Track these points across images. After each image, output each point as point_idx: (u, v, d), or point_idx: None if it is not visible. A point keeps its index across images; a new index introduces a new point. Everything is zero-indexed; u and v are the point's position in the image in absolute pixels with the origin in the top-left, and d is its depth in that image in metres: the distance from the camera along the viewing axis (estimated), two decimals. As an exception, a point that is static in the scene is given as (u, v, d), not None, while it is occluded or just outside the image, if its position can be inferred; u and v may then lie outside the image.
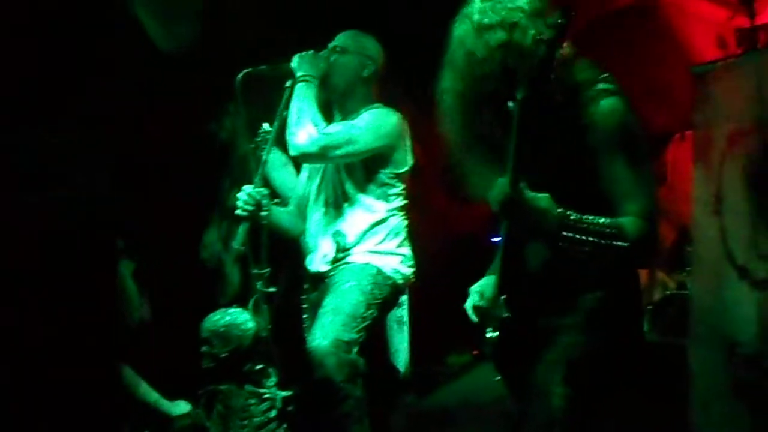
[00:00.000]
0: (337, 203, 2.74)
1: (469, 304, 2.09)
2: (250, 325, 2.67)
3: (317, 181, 2.81)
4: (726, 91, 3.41)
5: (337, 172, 2.75)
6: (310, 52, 2.72)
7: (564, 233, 1.62)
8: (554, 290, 1.86)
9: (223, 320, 2.68)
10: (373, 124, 2.65)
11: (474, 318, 2.05)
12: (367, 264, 2.64)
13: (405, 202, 2.80)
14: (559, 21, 1.56)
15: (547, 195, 1.62)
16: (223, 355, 2.64)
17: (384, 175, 2.71)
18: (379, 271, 2.64)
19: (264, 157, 2.68)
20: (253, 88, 2.80)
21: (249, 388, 2.65)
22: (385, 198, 2.71)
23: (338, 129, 2.63)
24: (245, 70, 2.71)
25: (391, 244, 2.72)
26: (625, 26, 4.90)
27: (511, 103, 1.61)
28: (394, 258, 2.71)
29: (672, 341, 4.22)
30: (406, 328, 4.26)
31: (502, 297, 1.87)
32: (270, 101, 2.82)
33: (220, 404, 2.68)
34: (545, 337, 1.85)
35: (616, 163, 1.72)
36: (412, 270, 2.78)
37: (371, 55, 2.77)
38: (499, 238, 1.92)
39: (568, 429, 1.76)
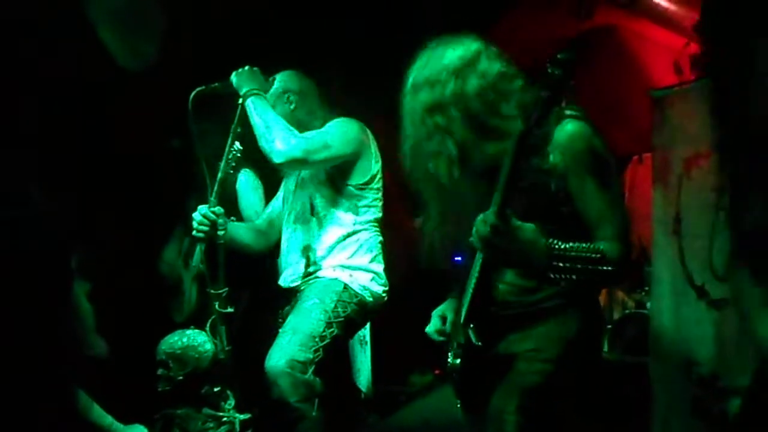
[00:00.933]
0: (305, 219, 2.71)
1: (431, 328, 2.08)
2: (208, 346, 2.62)
3: (290, 198, 2.78)
4: (682, 115, 3.49)
5: (306, 188, 2.72)
6: (246, 67, 2.69)
7: (553, 263, 1.62)
8: (516, 318, 1.85)
9: (180, 342, 2.62)
10: (340, 130, 2.65)
11: (437, 339, 2.04)
12: (334, 279, 2.59)
13: (379, 215, 2.76)
14: (566, 57, 1.54)
15: (533, 225, 1.62)
16: (180, 377, 2.58)
17: (352, 186, 2.69)
18: (346, 288, 2.58)
19: (219, 177, 2.64)
20: (207, 105, 2.77)
21: (207, 411, 2.58)
22: (355, 210, 2.68)
23: (313, 134, 2.62)
24: (197, 89, 2.68)
25: (363, 259, 2.67)
26: (586, 50, 4.99)
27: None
28: (365, 274, 2.65)
29: (632, 360, 4.27)
30: (368, 348, 4.22)
31: (471, 325, 1.85)
32: (226, 118, 2.79)
33: (177, 428, 2.61)
34: (505, 364, 1.84)
35: (587, 186, 1.74)
36: (383, 288, 2.71)
37: (291, 88, 2.78)
38: (462, 261, 1.91)
39: None
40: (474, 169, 1.80)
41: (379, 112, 2.18)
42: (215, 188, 2.64)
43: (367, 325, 4.26)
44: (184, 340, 2.62)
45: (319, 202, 2.70)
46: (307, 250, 2.66)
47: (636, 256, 5.36)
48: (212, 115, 2.84)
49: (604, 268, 1.65)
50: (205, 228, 2.57)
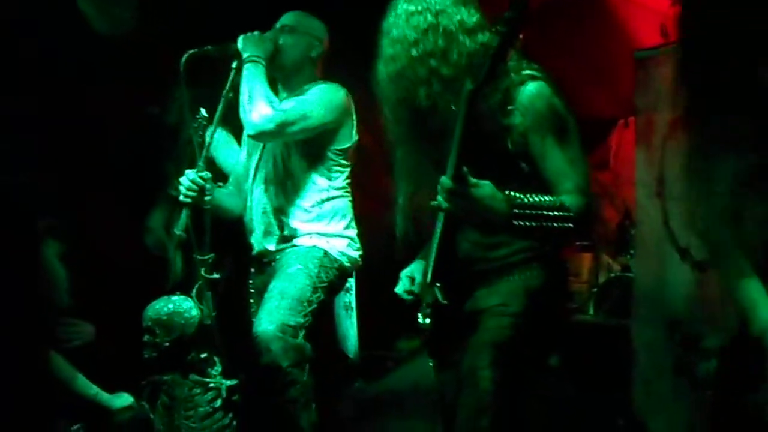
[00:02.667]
0: (278, 180, 2.69)
1: (399, 288, 2.11)
2: (194, 312, 2.61)
3: (257, 157, 2.75)
4: (667, 77, 3.47)
5: (278, 148, 2.70)
6: (256, 32, 2.66)
7: (516, 211, 1.64)
8: (481, 274, 1.88)
9: (165, 308, 2.61)
10: (323, 98, 2.62)
11: (407, 298, 2.07)
12: (313, 247, 2.61)
13: (348, 181, 2.77)
14: (511, 15, 1.56)
15: (488, 182, 1.63)
16: (166, 344, 2.57)
17: (329, 151, 2.68)
18: (326, 254, 2.61)
19: (207, 141, 2.62)
20: (198, 69, 2.73)
21: (193, 377, 2.59)
22: (329, 175, 2.68)
23: (292, 105, 2.59)
24: (190, 51, 2.64)
25: (338, 227, 2.69)
26: (572, 13, 4.95)
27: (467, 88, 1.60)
28: (341, 241, 2.68)
29: (617, 322, 4.32)
30: (354, 314, 4.24)
31: (437, 284, 1.87)
32: (216, 82, 2.75)
33: (164, 395, 2.62)
34: (473, 321, 1.86)
35: (547, 144, 1.77)
36: (358, 253, 2.77)
37: (318, 35, 2.75)
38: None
39: (497, 411, 1.78)
40: (435, 127, 1.79)
41: (361, 79, 2.16)
42: (203, 153, 2.62)
43: (353, 291, 4.29)
44: (170, 306, 2.62)
45: (293, 163, 2.68)
46: (279, 213, 2.65)
47: (621, 220, 5.40)
48: (202, 79, 2.80)
49: (565, 215, 1.69)
50: (193, 193, 2.55)
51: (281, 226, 2.64)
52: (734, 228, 1.67)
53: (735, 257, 1.67)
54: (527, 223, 1.65)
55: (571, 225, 1.70)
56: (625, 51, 4.25)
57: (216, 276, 2.60)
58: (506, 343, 1.82)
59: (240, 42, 2.63)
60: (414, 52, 1.78)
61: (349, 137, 2.71)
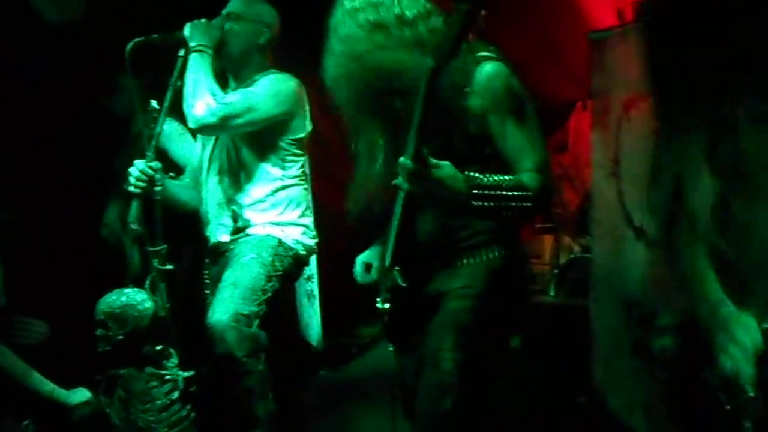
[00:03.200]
0: (232, 171, 2.67)
1: (357, 272, 2.11)
2: (148, 305, 2.57)
3: (210, 148, 2.73)
4: (621, 58, 3.51)
5: (232, 139, 2.67)
6: (203, 20, 2.62)
7: (475, 192, 1.64)
8: (442, 257, 1.88)
9: (118, 301, 2.57)
10: (271, 89, 2.59)
11: (363, 282, 2.08)
12: (267, 236, 2.59)
13: (303, 169, 2.75)
14: None
15: (448, 163, 1.64)
16: (120, 337, 2.53)
17: (282, 141, 2.65)
18: (280, 243, 2.60)
19: (156, 131, 2.58)
20: (144, 58, 2.68)
21: (149, 370, 2.56)
22: (282, 165, 2.66)
23: (237, 98, 2.56)
24: (135, 40, 2.59)
25: (293, 215, 2.68)
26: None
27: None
28: (296, 229, 2.67)
29: (577, 303, 4.37)
30: (316, 302, 4.23)
31: (396, 267, 1.88)
32: (164, 71, 2.71)
33: (121, 389, 2.58)
34: (435, 304, 1.87)
35: (506, 124, 1.79)
36: (314, 241, 2.76)
37: (267, 21, 2.71)
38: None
39: (459, 393, 1.79)
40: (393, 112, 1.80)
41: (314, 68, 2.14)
42: (153, 143, 2.58)
43: (315, 279, 4.27)
44: (123, 298, 2.58)
45: (246, 154, 2.65)
46: (233, 204, 2.64)
47: (581, 201, 5.46)
48: (149, 68, 2.76)
49: (524, 195, 1.70)
50: (143, 184, 2.52)
51: (235, 217, 2.62)
52: (684, 206, 1.68)
53: (684, 235, 1.68)
54: (487, 203, 1.66)
55: (530, 204, 1.72)
56: (582, 33, 4.28)
57: (170, 267, 2.57)
58: (468, 325, 1.83)
59: (186, 30, 2.59)
60: (360, 47, 1.78)
61: (302, 127, 2.69)
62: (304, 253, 2.69)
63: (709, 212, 1.66)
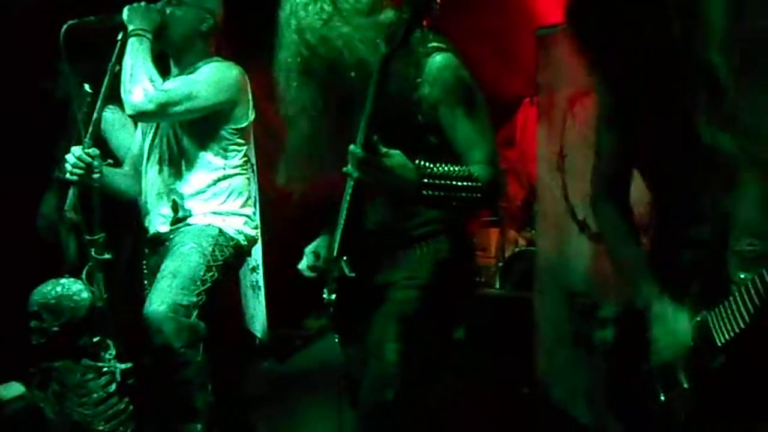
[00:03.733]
0: (172, 161, 2.61)
1: (303, 265, 2.09)
2: (84, 295, 2.51)
3: (150, 137, 2.67)
4: (567, 54, 3.54)
5: (172, 128, 2.62)
6: (142, 3, 2.55)
7: (425, 181, 1.63)
8: (389, 246, 1.88)
9: (53, 291, 2.50)
10: (213, 78, 2.54)
11: (309, 275, 2.05)
12: (208, 225, 2.55)
13: (246, 159, 2.71)
14: None
15: (398, 151, 1.62)
16: (55, 328, 2.46)
17: (224, 131, 2.61)
18: (221, 232, 2.56)
19: (95, 117, 2.50)
20: (81, 42, 2.60)
21: (86, 362, 2.49)
22: (224, 155, 2.62)
23: (176, 85, 2.50)
24: (69, 22, 2.51)
25: (234, 205, 2.64)
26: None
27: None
28: (237, 219, 2.63)
29: (522, 295, 4.43)
30: (261, 293, 4.19)
31: (344, 257, 1.86)
32: (101, 56, 2.63)
33: (56, 382, 2.51)
34: (380, 294, 1.86)
35: (456, 115, 1.78)
36: (256, 231, 2.73)
37: (210, 8, 2.65)
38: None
39: (403, 383, 1.79)
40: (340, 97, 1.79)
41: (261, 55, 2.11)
42: (90, 129, 2.51)
43: (260, 271, 4.22)
44: (58, 289, 2.51)
45: (187, 144, 2.60)
46: (173, 194, 2.59)
47: (526, 195, 5.53)
48: (85, 51, 2.67)
49: (473, 185, 1.69)
50: (80, 171, 2.45)
51: (176, 207, 2.56)
52: (620, 197, 1.71)
53: (618, 228, 1.71)
54: (436, 193, 1.65)
55: (479, 195, 1.70)
56: (529, 29, 4.33)
57: (108, 256, 2.50)
58: (413, 316, 1.83)
59: (125, 13, 2.52)
60: (312, 39, 1.76)
61: (245, 116, 2.65)
62: (245, 243, 2.65)
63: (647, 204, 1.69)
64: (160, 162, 2.62)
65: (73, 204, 2.48)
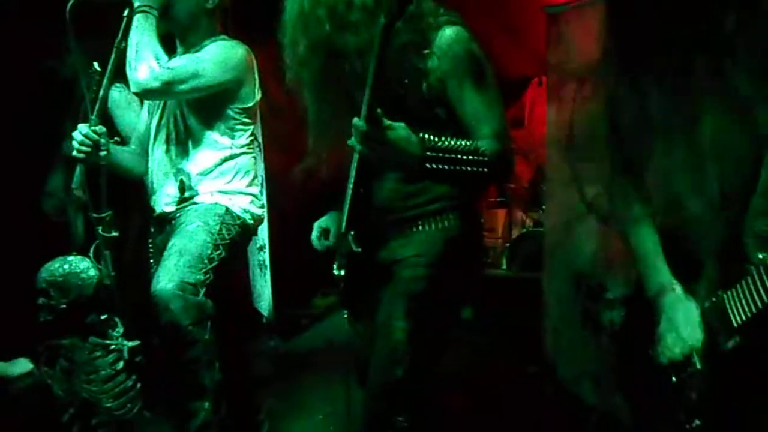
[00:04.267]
0: (179, 140, 2.59)
1: (314, 237, 2.08)
2: (92, 273, 2.50)
3: (157, 117, 2.65)
4: (577, 33, 3.51)
5: (179, 107, 2.59)
6: None
7: (429, 154, 1.59)
8: (397, 224, 1.86)
9: (61, 269, 2.49)
10: (219, 56, 2.51)
11: (320, 248, 2.04)
12: (215, 204, 2.53)
13: (253, 138, 2.70)
14: None
15: (402, 124, 1.59)
16: (63, 306, 2.46)
17: (230, 110, 2.59)
18: (228, 211, 2.54)
19: (101, 94, 2.48)
20: (87, 18, 2.57)
21: (93, 340, 2.49)
22: (231, 134, 2.60)
23: (182, 62, 2.47)
24: None
25: (241, 184, 2.62)
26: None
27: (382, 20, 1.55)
28: (244, 198, 2.62)
29: (529, 276, 4.43)
30: (268, 272, 4.20)
31: (351, 233, 1.85)
32: (107, 32, 2.60)
33: (63, 359, 2.51)
34: (388, 271, 1.85)
35: (465, 88, 1.75)
36: (262, 210, 2.71)
37: None
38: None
39: (411, 361, 1.78)
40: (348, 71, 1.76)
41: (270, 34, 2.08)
42: (97, 106, 2.48)
43: (266, 250, 4.22)
44: (66, 266, 2.50)
45: (194, 123, 2.58)
46: (180, 174, 2.57)
47: (534, 176, 5.50)
48: (92, 28, 2.65)
49: (481, 160, 1.65)
50: (87, 149, 2.43)
51: (182, 187, 2.55)
52: (636, 179, 1.68)
53: (635, 209, 1.68)
54: (441, 166, 1.61)
55: (486, 170, 1.66)
56: (538, 6, 4.28)
57: (114, 234, 2.49)
58: (420, 294, 1.81)
59: None
60: (319, 10, 1.73)
61: (251, 96, 2.62)
62: (251, 222, 2.63)
63: (665, 189, 1.66)
64: (167, 141, 2.60)
65: (81, 182, 2.47)
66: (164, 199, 2.59)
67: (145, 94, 2.49)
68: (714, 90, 1.34)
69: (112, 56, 2.50)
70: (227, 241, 2.48)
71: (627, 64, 1.55)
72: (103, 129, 2.46)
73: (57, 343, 2.52)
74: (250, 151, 2.67)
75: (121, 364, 2.49)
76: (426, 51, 1.73)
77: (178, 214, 2.55)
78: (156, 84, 2.39)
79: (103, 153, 2.44)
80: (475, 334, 3.93)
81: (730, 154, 1.38)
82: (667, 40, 1.41)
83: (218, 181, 2.58)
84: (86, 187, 2.49)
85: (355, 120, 1.57)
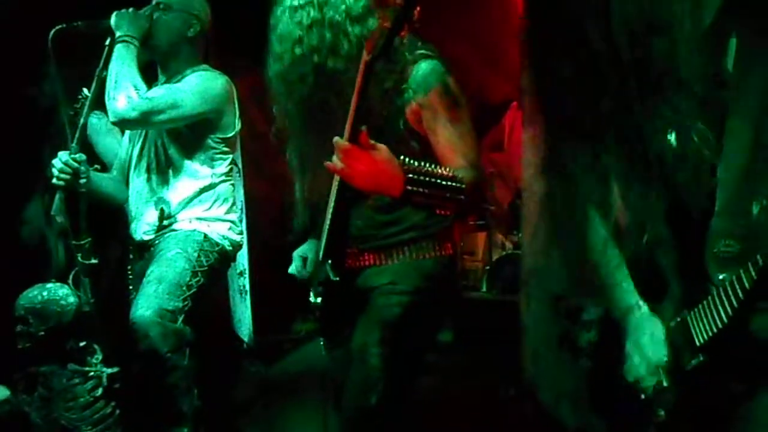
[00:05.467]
0: (160, 169, 2.63)
1: (292, 269, 2.11)
2: (71, 300, 2.51)
3: (138, 146, 2.68)
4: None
5: (160, 136, 2.63)
6: (131, 9, 2.56)
7: (410, 176, 1.62)
8: (373, 252, 1.89)
9: (40, 296, 2.50)
10: (198, 87, 2.54)
11: (300, 278, 2.07)
12: (193, 231, 2.56)
13: (231, 167, 2.74)
14: None
15: (384, 145, 1.62)
16: (42, 333, 2.46)
17: (210, 140, 2.62)
18: (206, 238, 2.57)
19: (81, 122, 2.51)
20: (69, 47, 2.61)
21: (72, 367, 2.49)
22: (211, 164, 2.64)
23: (161, 93, 2.50)
24: (58, 27, 2.51)
25: (219, 211, 2.66)
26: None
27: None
28: (222, 224, 2.65)
29: (509, 298, 4.45)
30: (248, 298, 4.20)
31: (329, 261, 1.88)
32: (88, 61, 2.64)
33: (42, 387, 2.51)
34: (364, 299, 1.88)
35: (440, 119, 1.81)
36: (240, 237, 2.74)
37: (197, 13, 2.65)
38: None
39: (386, 388, 1.80)
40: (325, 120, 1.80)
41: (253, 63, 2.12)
42: (77, 134, 2.53)
43: (246, 275, 4.23)
44: (45, 293, 2.51)
45: (174, 152, 2.62)
46: (161, 203, 2.60)
47: (513, 199, 5.55)
48: (73, 56, 2.68)
49: (457, 186, 1.67)
50: (66, 176, 2.45)
51: (162, 216, 2.57)
52: (596, 208, 1.70)
53: (599, 232, 1.71)
54: (421, 190, 1.64)
55: (462, 197, 1.70)
56: (515, 33, 4.35)
57: (94, 261, 2.51)
58: (395, 322, 1.85)
59: (113, 19, 2.52)
60: (298, 50, 1.78)
61: (231, 126, 2.66)
62: (230, 248, 2.67)
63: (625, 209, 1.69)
64: (148, 170, 2.63)
65: (60, 209, 2.49)
66: (143, 227, 2.61)
67: (123, 124, 2.52)
68: (661, 107, 1.36)
69: (93, 85, 2.53)
70: (205, 268, 2.50)
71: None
72: (83, 156, 2.49)
73: (35, 370, 2.53)
74: (229, 178, 2.70)
75: (99, 391, 2.49)
76: (403, 86, 1.79)
77: (157, 241, 2.58)
78: (134, 114, 2.42)
79: (83, 180, 2.47)
80: (455, 356, 3.95)
81: (688, 175, 1.42)
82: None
83: (197, 209, 2.60)
84: (66, 214, 2.51)
85: (337, 138, 1.60)
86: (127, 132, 2.77)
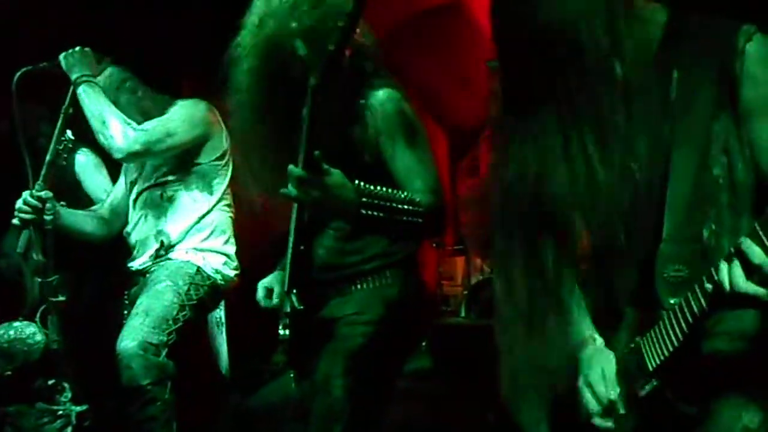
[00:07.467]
0: (157, 203, 2.66)
1: (259, 297, 2.11)
2: (38, 338, 2.49)
3: (134, 179, 2.73)
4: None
5: (156, 170, 2.67)
6: (77, 49, 2.59)
7: (364, 200, 1.64)
8: (336, 282, 1.90)
9: (6, 335, 2.48)
10: (185, 115, 2.60)
11: (265, 307, 2.07)
12: (186, 262, 2.58)
13: (229, 194, 2.75)
14: (351, 10, 1.57)
15: (338, 171, 1.63)
16: (8, 372, 2.45)
17: (206, 165, 2.67)
18: (199, 270, 2.58)
19: (48, 159, 2.53)
20: (39, 86, 2.64)
21: (41, 406, 2.47)
22: (209, 190, 2.68)
23: (153, 124, 2.55)
24: (23, 69, 2.55)
25: (216, 242, 2.68)
26: (434, 25, 5.08)
27: (312, 80, 1.61)
28: (218, 257, 2.66)
29: (487, 323, 4.46)
30: (224, 329, 4.17)
31: (294, 291, 1.88)
32: (54, 100, 2.66)
33: (10, 427, 2.48)
34: (328, 329, 1.88)
35: (397, 145, 1.83)
36: (235, 272, 2.73)
37: None
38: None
39: (350, 418, 1.80)
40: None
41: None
42: (43, 172, 2.55)
43: (222, 307, 4.21)
44: (11, 332, 2.49)
45: (171, 184, 2.65)
46: (160, 235, 2.63)
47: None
48: (41, 95, 2.71)
49: (414, 209, 1.70)
50: (27, 215, 2.47)
51: (160, 247, 2.59)
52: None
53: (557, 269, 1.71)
54: (376, 213, 1.65)
55: (420, 221, 1.71)
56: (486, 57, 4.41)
57: (61, 298, 2.50)
58: (359, 352, 1.86)
59: (63, 63, 2.57)
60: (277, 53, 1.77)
61: (219, 147, 2.69)
62: (222, 283, 2.66)
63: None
64: (147, 206, 2.66)
65: (24, 246, 2.49)
66: (143, 259, 2.64)
67: (128, 158, 2.56)
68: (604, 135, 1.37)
69: (59, 122, 2.56)
70: (194, 302, 2.51)
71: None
72: (50, 194, 2.50)
73: (3, 410, 2.50)
74: (228, 208, 2.72)
75: (69, 430, 2.47)
76: (360, 114, 1.82)
77: (153, 269, 2.59)
78: (137, 146, 2.47)
79: (48, 217, 2.47)
80: (434, 383, 3.95)
81: (635, 203, 1.44)
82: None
83: (195, 238, 2.63)
84: (33, 252, 2.51)
85: (291, 167, 1.60)
86: (122, 169, 2.81)
